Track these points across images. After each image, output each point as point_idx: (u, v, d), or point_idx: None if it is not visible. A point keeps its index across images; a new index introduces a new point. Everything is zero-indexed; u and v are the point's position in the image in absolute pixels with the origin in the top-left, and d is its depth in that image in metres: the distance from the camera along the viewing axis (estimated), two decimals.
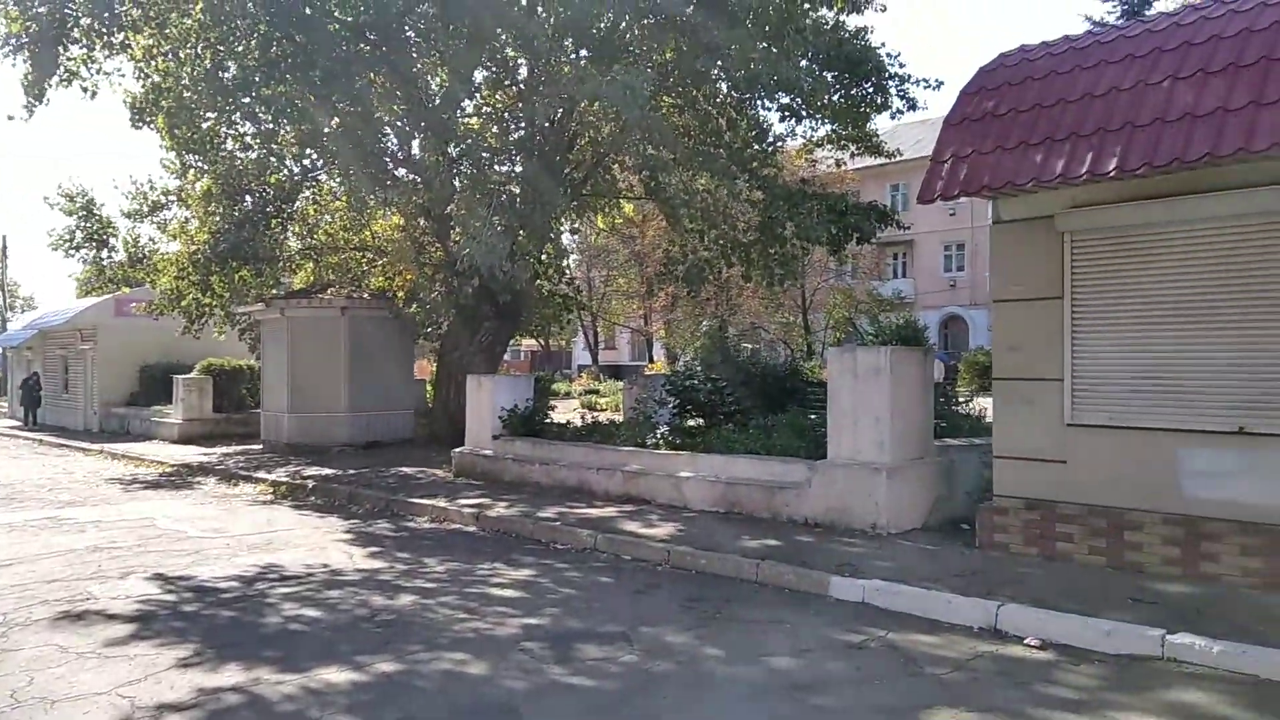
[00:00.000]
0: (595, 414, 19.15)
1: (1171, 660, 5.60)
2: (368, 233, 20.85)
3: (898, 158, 19.44)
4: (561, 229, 16.51)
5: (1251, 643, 5.53)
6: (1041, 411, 7.94)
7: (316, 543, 9.92)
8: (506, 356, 66.38)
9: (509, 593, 7.66)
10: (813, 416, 10.86)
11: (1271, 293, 6.73)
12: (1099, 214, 7.49)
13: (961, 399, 13.33)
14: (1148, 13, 21.80)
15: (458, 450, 14.23)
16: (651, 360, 42.60)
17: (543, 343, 51.20)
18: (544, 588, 7.83)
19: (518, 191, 14.59)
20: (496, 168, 14.50)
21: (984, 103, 7.87)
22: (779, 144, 16.21)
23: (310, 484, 14.03)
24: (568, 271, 21.84)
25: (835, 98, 16.35)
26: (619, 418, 16.02)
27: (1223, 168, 6.74)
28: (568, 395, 34.23)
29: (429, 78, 15.73)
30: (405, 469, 15.12)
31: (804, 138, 22.81)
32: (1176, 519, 7.12)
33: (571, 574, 8.37)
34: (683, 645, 6.10)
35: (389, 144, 16.67)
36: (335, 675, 5.57)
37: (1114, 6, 25.03)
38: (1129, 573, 7.30)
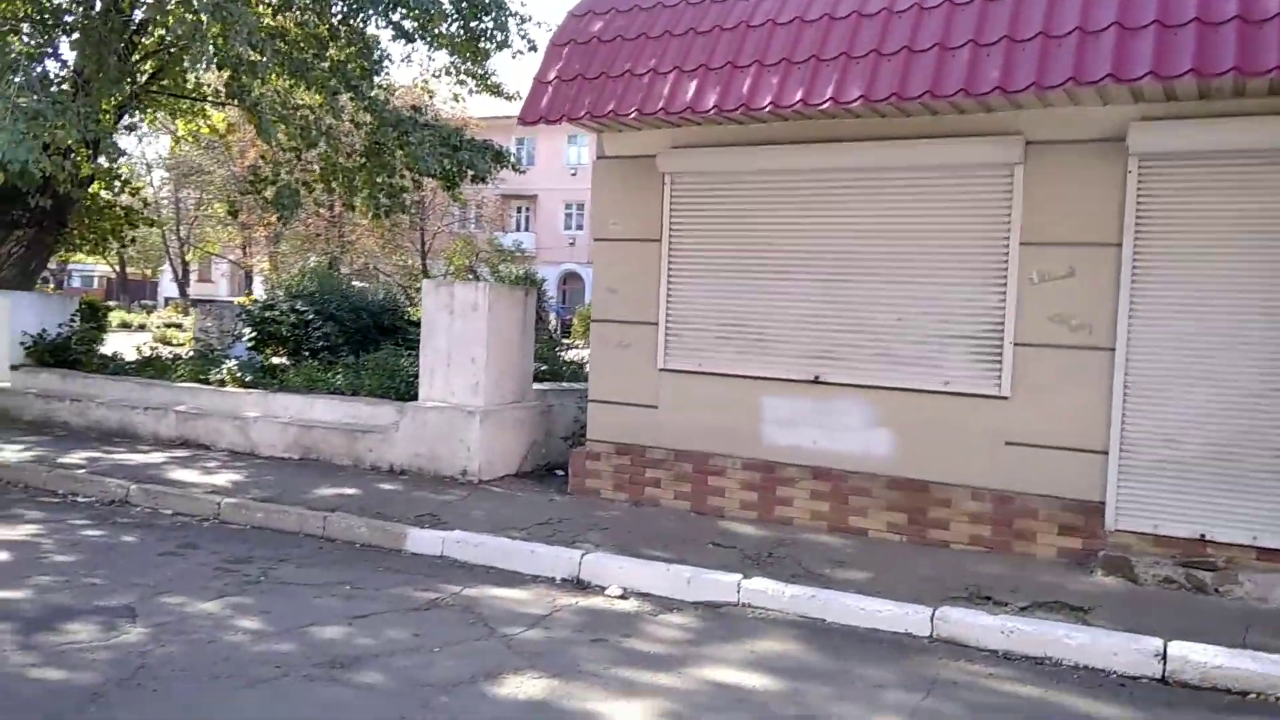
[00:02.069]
0: (171, 349, 16.62)
1: (748, 606, 5.50)
2: None
3: (517, 99, 18.91)
4: (117, 126, 13.81)
5: (819, 585, 5.58)
6: (636, 355, 7.71)
7: None
8: (76, 283, 57.44)
9: None
10: (408, 357, 9.96)
11: (842, 249, 6.93)
12: (697, 157, 7.32)
13: (569, 345, 13.12)
14: None
15: None
16: (249, 294, 38.87)
17: (117, 268, 44.92)
18: (43, 551, 6.18)
19: (56, 73, 11.88)
20: (25, 39, 11.65)
21: (591, 26, 7.36)
22: (386, 60, 14.85)
23: None
24: (135, 180, 18.69)
25: (454, 27, 15.45)
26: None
27: (813, 120, 6.81)
28: (143, 328, 30.12)
29: None
30: None
31: (421, 67, 21.45)
32: (757, 464, 7.20)
33: (88, 533, 6.75)
34: (207, 617, 4.95)
35: None
36: None
37: None
38: (712, 517, 7.30)
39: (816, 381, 6.98)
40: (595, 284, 7.98)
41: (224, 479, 8.19)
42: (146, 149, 41.71)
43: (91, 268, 53.16)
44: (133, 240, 18.46)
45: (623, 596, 5.68)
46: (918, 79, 5.92)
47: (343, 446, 9.00)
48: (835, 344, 6.95)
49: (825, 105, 6.12)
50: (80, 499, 7.84)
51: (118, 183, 16.03)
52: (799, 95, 6.16)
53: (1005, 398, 6.48)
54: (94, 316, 13.33)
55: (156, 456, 9.10)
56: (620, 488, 7.75)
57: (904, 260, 6.73)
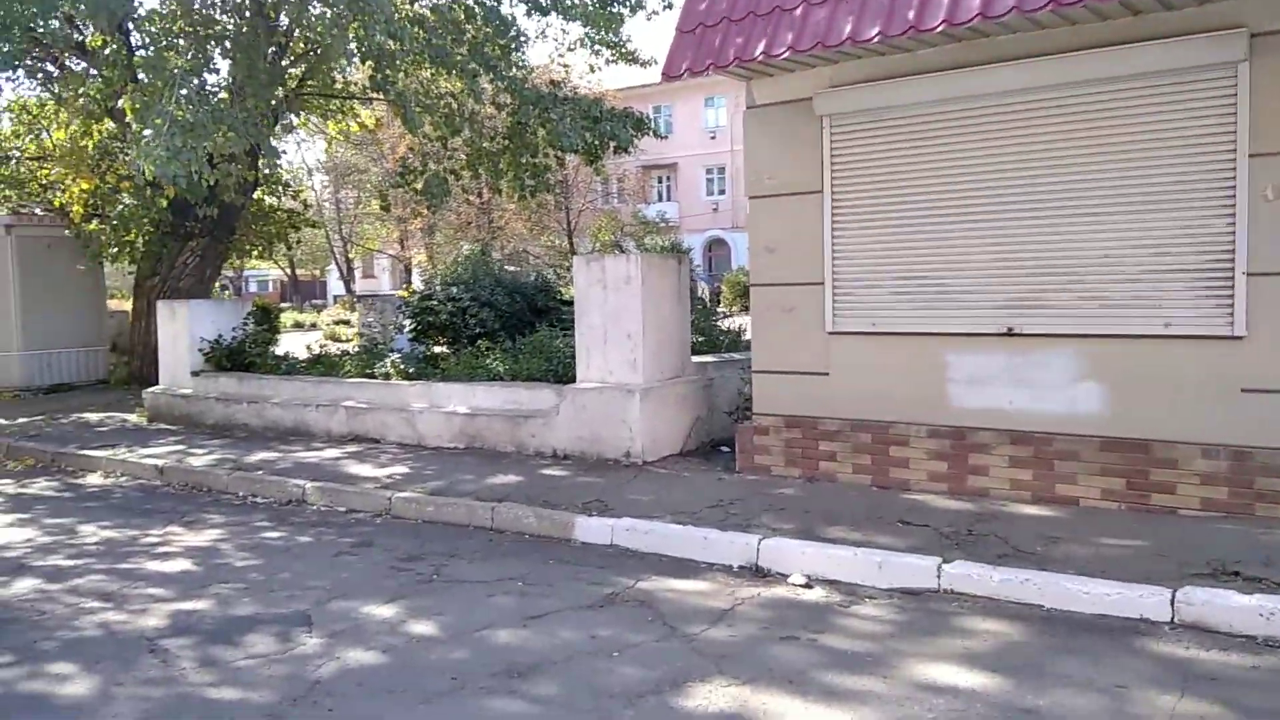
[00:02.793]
0: (340, 345, 17.22)
1: (950, 592, 4.93)
2: (50, 141, 17.43)
3: (654, 65, 18.43)
4: (274, 131, 14.21)
5: (1031, 567, 4.94)
6: (801, 319, 7.16)
7: None
8: (253, 288, 61.17)
9: (174, 566, 6.04)
10: (562, 337, 9.76)
11: (1032, 181, 6.14)
12: (859, 94, 6.66)
13: (722, 314, 12.64)
14: None
15: (150, 390, 12.00)
16: (408, 287, 40.22)
17: (288, 271, 47.45)
18: (223, 556, 6.26)
19: (214, 83, 12.25)
20: (185, 55, 12.03)
21: None
22: (522, 38, 14.67)
23: None
24: (295, 183, 19.36)
25: None
26: None
27: (991, 38, 6.05)
28: (314, 326, 31.55)
29: None
30: (90, 415, 12.69)
31: (555, 41, 21.30)
32: (944, 431, 6.54)
33: (267, 535, 6.83)
34: (381, 623, 4.80)
35: (55, 27, 13.62)
36: None
37: None
38: (896, 491, 6.71)
39: (1010, 334, 6.26)
40: (752, 245, 7.46)
41: (393, 472, 8.19)
42: (306, 154, 43.67)
43: (266, 272, 56.49)
44: (298, 242, 19.22)
45: (807, 585, 5.21)
46: None
47: (505, 433, 8.88)
48: (1030, 289, 6.19)
49: (1007, 15, 5.36)
50: (260, 500, 8.00)
51: (280, 187, 16.65)
52: (976, 8, 5.42)
53: (1239, 337, 5.58)
54: (266, 319, 13.85)
55: (329, 453, 9.24)
56: (792, 463, 7.25)
57: (1107, 188, 5.90)
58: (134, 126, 11.49)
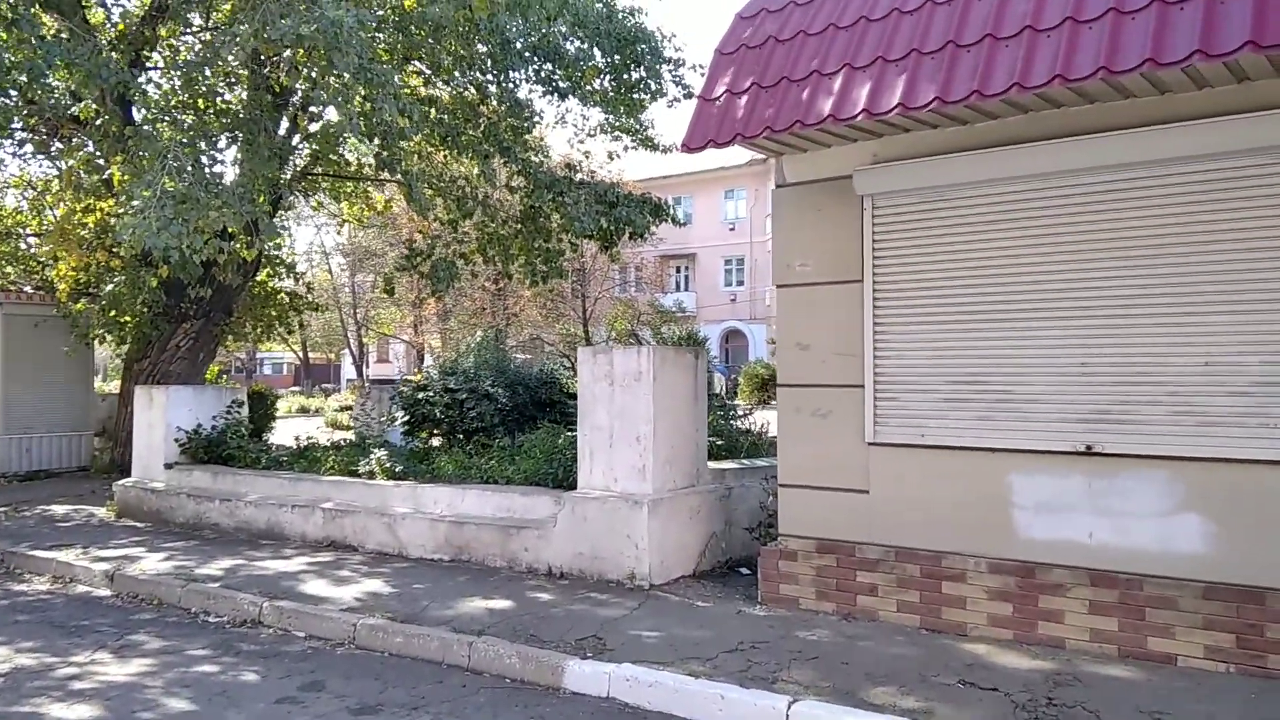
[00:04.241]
0: (339, 434, 16.35)
1: None
2: (53, 218, 16.97)
3: (674, 151, 17.92)
4: (276, 209, 13.60)
5: None
6: (837, 427, 6.19)
7: None
8: (267, 370, 60.76)
9: (80, 711, 5.01)
10: (565, 435, 8.82)
11: (1116, 274, 5.22)
12: (907, 171, 5.81)
13: (741, 412, 11.65)
14: None
15: (121, 484, 11.05)
16: (418, 372, 39.50)
17: (301, 353, 47.01)
18: (146, 697, 5.22)
19: (210, 158, 11.63)
20: (183, 128, 11.47)
21: (765, 25, 6.04)
22: (537, 118, 14.14)
23: None
24: (302, 265, 18.78)
25: (606, 82, 14.75)
26: None
27: (1065, 109, 5.22)
28: (318, 412, 30.74)
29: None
30: (58, 507, 11.74)
31: (575, 127, 21.06)
32: (1009, 566, 5.48)
33: (205, 668, 5.79)
34: None
35: (57, 96, 13.17)
36: None
37: None
38: (950, 636, 5.61)
39: (1089, 453, 5.24)
40: (780, 339, 6.54)
41: (366, 590, 7.17)
42: (325, 237, 43.67)
43: (281, 355, 56.07)
44: (300, 325, 18.49)
45: None
46: (1231, 29, 4.24)
47: (496, 545, 7.86)
48: (1114, 400, 5.21)
49: (1091, 78, 4.50)
50: (211, 618, 6.98)
51: (284, 269, 16.00)
52: (1054, 69, 4.58)
53: None
54: (261, 405, 12.95)
55: (298, 563, 8.23)
56: (825, 596, 6.18)
57: (1208, 283, 4.97)
58: (122, 198, 10.86)
